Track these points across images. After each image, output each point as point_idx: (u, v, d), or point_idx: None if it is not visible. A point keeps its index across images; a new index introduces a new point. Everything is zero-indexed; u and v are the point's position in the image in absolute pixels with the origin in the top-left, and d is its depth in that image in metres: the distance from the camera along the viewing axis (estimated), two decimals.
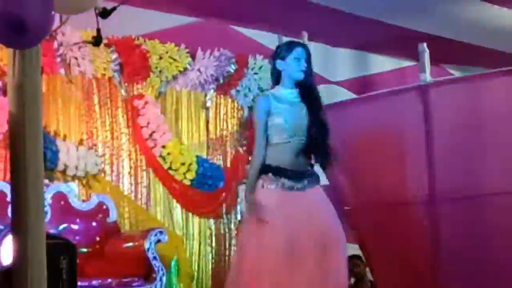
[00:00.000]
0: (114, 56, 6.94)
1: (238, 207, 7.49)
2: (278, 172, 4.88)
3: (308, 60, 5.06)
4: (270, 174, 4.89)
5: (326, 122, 5.06)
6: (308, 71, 5.03)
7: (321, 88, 5.44)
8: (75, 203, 6.47)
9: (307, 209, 4.94)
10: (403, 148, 6.73)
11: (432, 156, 6.59)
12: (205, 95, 7.55)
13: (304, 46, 5.16)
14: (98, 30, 3.42)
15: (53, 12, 2.88)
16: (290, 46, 5.14)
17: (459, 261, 6.34)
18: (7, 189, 5.98)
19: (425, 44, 7.03)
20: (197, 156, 7.31)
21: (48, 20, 2.84)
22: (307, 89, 5.02)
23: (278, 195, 4.82)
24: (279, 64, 5.03)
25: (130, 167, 7.02)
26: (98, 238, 6.49)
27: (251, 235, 4.84)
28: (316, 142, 4.91)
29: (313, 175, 4.99)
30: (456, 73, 8.84)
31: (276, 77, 5.06)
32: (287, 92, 4.98)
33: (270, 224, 4.76)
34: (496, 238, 6.30)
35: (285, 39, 7.92)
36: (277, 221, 4.76)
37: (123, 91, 7.03)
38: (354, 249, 6.78)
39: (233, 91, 7.67)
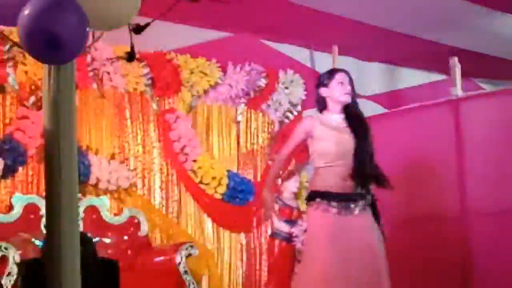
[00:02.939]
0: (146, 70, 6.98)
1: (269, 221, 7.48)
2: (325, 196, 4.92)
3: (351, 84, 5.15)
4: (318, 199, 4.94)
5: (372, 147, 5.10)
6: (353, 95, 5.12)
7: None
8: (107, 216, 6.51)
9: (358, 234, 4.95)
10: (434, 162, 6.71)
11: (464, 170, 6.56)
12: (236, 110, 7.56)
13: (345, 71, 5.24)
14: (132, 47, 3.45)
15: (88, 28, 2.91)
16: (331, 72, 5.27)
17: (491, 277, 6.30)
18: (40, 203, 6.05)
19: (456, 58, 7.03)
20: (227, 170, 7.33)
21: (83, 36, 2.87)
22: (354, 114, 5.09)
23: (327, 220, 4.85)
24: (324, 91, 5.14)
25: (161, 181, 7.04)
26: (129, 252, 6.51)
27: (303, 265, 4.98)
28: (363, 167, 4.95)
29: (363, 199, 5.00)
30: (487, 87, 8.79)
31: (323, 105, 5.14)
32: (335, 117, 5.06)
33: (321, 255, 4.80)
34: None
35: (316, 53, 8.00)
36: (328, 252, 4.78)
37: (154, 106, 7.07)
38: None
39: (263, 106, 7.68)
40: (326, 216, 4.92)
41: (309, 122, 5.14)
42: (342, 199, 4.94)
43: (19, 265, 5.38)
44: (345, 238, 4.81)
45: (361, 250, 4.82)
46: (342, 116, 5.11)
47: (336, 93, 5.10)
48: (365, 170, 4.94)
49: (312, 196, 5.00)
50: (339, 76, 5.17)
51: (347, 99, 5.10)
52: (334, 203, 4.93)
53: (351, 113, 5.12)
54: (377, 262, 4.88)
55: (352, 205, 4.98)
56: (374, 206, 5.06)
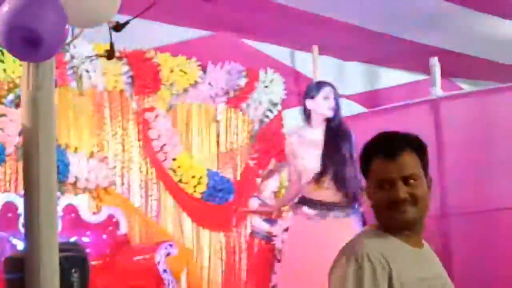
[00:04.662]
0: (126, 69, 6.95)
1: (248, 220, 7.48)
2: (310, 203, 5.17)
3: (336, 97, 5.39)
4: (302, 205, 5.19)
5: (347, 156, 5.31)
6: (336, 109, 5.38)
7: None
8: (86, 215, 6.48)
9: (340, 238, 5.05)
10: None
11: (443, 170, 6.59)
12: (216, 109, 7.55)
13: (331, 85, 5.49)
14: (112, 45, 3.43)
15: (67, 26, 2.90)
16: (319, 85, 5.54)
17: (471, 276, 6.32)
18: (18, 201, 6.00)
19: (436, 58, 7.05)
20: (207, 169, 7.31)
21: (62, 34, 2.86)
22: (334, 128, 5.33)
23: (310, 225, 5.07)
24: (309, 104, 5.39)
25: (141, 180, 7.02)
26: (108, 251, 6.49)
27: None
28: (337, 177, 5.24)
29: (347, 206, 5.22)
30: (467, 87, 8.82)
31: (307, 117, 5.40)
32: (316, 132, 5.32)
33: (302, 256, 5.03)
34: (507, 252, 6.28)
35: (296, 53, 8.01)
36: (309, 253, 4.95)
37: (134, 104, 7.04)
38: None
39: (243, 105, 7.66)
40: (309, 221, 5.10)
41: (290, 143, 5.46)
42: (326, 207, 5.12)
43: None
44: (326, 242, 4.88)
45: (320, 253, 4.90)
46: (322, 129, 5.37)
47: (320, 107, 5.36)
48: (337, 182, 5.24)
49: (299, 202, 5.27)
50: (324, 91, 5.43)
51: (330, 114, 5.36)
52: (317, 210, 5.11)
53: (331, 128, 5.37)
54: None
55: (335, 212, 5.15)
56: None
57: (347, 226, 5.22)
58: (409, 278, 2.56)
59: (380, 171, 2.66)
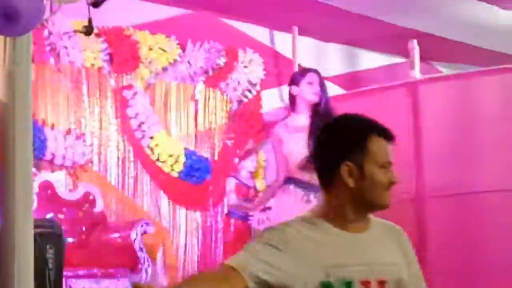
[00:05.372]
0: (104, 46, 6.91)
1: (225, 200, 7.48)
2: (296, 183, 5.23)
3: (321, 83, 5.42)
4: (289, 184, 5.26)
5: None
6: (323, 94, 5.43)
7: None
8: (62, 192, 6.46)
9: None
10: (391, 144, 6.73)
11: (421, 153, 6.61)
12: (194, 88, 7.52)
13: (315, 71, 5.54)
14: (90, 20, 3.41)
15: (45, 1, 2.87)
16: (303, 72, 5.61)
17: (446, 258, 6.36)
18: None
19: (415, 41, 7.06)
20: (185, 148, 7.30)
21: (40, 9, 2.83)
22: (321, 113, 5.37)
23: (295, 203, 5.15)
24: (294, 89, 5.44)
25: (118, 158, 6.99)
26: (84, 228, 6.47)
27: None
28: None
29: None
30: (446, 71, 8.84)
31: (292, 103, 5.45)
32: (301, 119, 5.37)
33: None
34: (484, 235, 6.32)
35: (276, 33, 8.00)
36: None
37: (112, 82, 7.01)
38: None
39: (222, 84, 7.65)
40: (294, 200, 5.15)
41: (277, 133, 5.56)
42: (313, 187, 5.18)
43: None
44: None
45: None
46: (306, 115, 5.41)
47: (305, 92, 5.40)
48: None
49: (285, 181, 5.31)
50: (309, 77, 5.49)
51: (315, 98, 5.39)
52: (305, 190, 5.16)
53: (317, 112, 5.41)
54: None
55: (316, 193, 5.20)
56: None
57: None
58: (323, 264, 2.57)
59: (383, 152, 2.67)
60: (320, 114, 5.55)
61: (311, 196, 5.44)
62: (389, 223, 2.85)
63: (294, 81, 5.75)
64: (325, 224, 2.64)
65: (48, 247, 3.87)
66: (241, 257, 2.60)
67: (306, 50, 7.94)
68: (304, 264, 2.56)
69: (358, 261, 2.61)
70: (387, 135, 2.71)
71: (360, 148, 2.64)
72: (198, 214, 7.45)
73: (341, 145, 2.68)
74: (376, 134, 2.68)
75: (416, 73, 6.93)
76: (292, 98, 5.70)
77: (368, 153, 2.64)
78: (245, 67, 7.76)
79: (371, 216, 2.75)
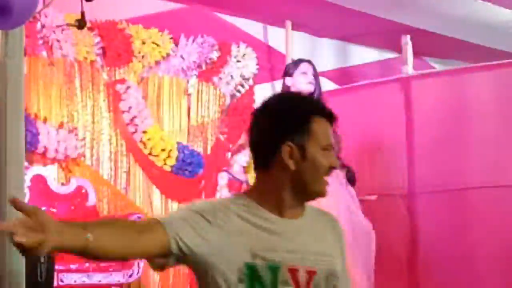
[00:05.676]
0: (97, 40, 6.90)
1: (218, 195, 7.48)
2: None
3: (315, 73, 5.43)
4: None
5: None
6: (316, 84, 5.44)
7: None
8: (54, 186, 6.45)
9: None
10: (383, 139, 6.76)
11: (413, 148, 6.62)
12: (187, 82, 7.52)
13: (309, 61, 5.56)
14: (83, 14, 3.41)
15: None
16: (297, 62, 5.61)
17: (438, 253, 6.38)
18: None
19: (408, 37, 7.07)
20: (177, 143, 7.30)
21: (32, 2, 2.83)
22: None
23: None
24: (288, 80, 5.45)
25: (110, 152, 6.98)
26: None
27: None
28: None
29: None
30: (438, 67, 8.86)
31: None
32: None
33: None
34: (476, 231, 6.33)
35: (269, 28, 8.00)
36: None
37: (105, 75, 7.00)
38: None
39: (215, 79, 7.64)
40: None
41: None
42: None
43: None
44: None
45: None
46: None
47: (299, 82, 5.41)
48: None
49: None
50: (302, 66, 5.52)
51: (309, 88, 5.40)
52: None
53: None
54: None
55: None
56: (351, 180, 5.42)
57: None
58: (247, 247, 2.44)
59: (325, 134, 2.53)
60: None
61: None
62: (325, 212, 2.71)
63: (288, 71, 5.77)
64: (258, 207, 2.51)
65: None
66: (169, 217, 2.48)
67: (299, 45, 7.94)
68: (231, 241, 2.43)
69: (288, 248, 2.48)
70: (330, 117, 2.55)
71: (303, 128, 2.50)
72: None
73: (283, 125, 2.51)
74: (320, 115, 2.53)
75: (409, 69, 6.94)
76: (287, 88, 5.71)
77: (311, 134, 2.49)
78: (238, 61, 7.75)
79: (307, 203, 2.60)
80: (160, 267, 2.44)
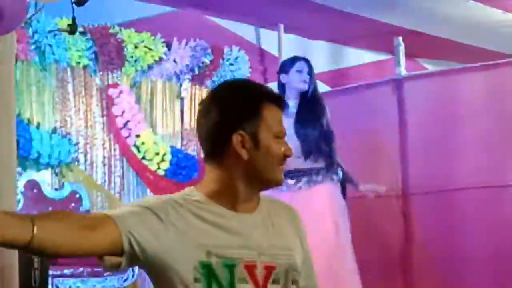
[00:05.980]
0: (89, 44, 6.90)
1: None
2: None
3: (310, 71, 5.46)
4: None
5: (321, 127, 5.38)
6: (311, 83, 5.46)
7: None
8: (48, 191, 6.44)
9: (314, 205, 5.21)
10: (377, 140, 6.77)
11: (406, 149, 6.63)
12: (180, 86, 7.52)
13: (305, 59, 5.58)
14: (74, 18, 3.41)
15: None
16: (292, 60, 5.63)
17: (432, 254, 6.39)
18: None
19: (400, 38, 7.08)
20: (171, 147, 7.30)
21: (23, 7, 2.82)
22: (309, 99, 5.40)
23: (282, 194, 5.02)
24: (283, 77, 5.48)
25: (104, 156, 6.98)
26: None
27: None
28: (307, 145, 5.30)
29: (315, 174, 5.30)
30: (431, 68, 8.86)
31: (282, 91, 5.47)
32: (289, 105, 5.39)
33: None
34: (469, 232, 6.35)
35: (262, 31, 8.00)
36: None
37: (98, 80, 7.00)
38: None
39: (208, 82, 7.64)
40: (284, 188, 5.16)
41: None
42: (296, 175, 5.21)
43: None
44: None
45: (316, 220, 5.03)
46: (296, 101, 5.45)
47: (294, 80, 5.43)
48: (309, 148, 5.27)
49: None
50: (298, 64, 5.54)
51: (304, 86, 5.45)
52: (293, 178, 5.21)
53: (305, 100, 5.44)
54: (337, 233, 5.15)
55: (305, 179, 5.22)
56: (345, 179, 5.45)
57: (321, 192, 5.34)
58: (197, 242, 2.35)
59: (277, 121, 2.45)
60: (308, 101, 5.58)
61: (301, 184, 5.46)
62: (284, 203, 2.62)
63: (283, 69, 5.78)
64: (212, 202, 2.42)
65: None
66: (121, 213, 2.35)
67: (292, 48, 7.93)
68: (183, 238, 2.34)
69: (244, 244, 2.38)
70: (280, 104, 2.47)
71: (254, 116, 2.41)
72: None
73: (233, 113, 2.41)
74: (270, 102, 2.44)
75: (402, 70, 6.95)
76: (281, 86, 5.72)
77: (263, 121, 2.40)
78: (231, 64, 7.75)
79: (262, 195, 2.51)
80: (112, 266, 2.33)
